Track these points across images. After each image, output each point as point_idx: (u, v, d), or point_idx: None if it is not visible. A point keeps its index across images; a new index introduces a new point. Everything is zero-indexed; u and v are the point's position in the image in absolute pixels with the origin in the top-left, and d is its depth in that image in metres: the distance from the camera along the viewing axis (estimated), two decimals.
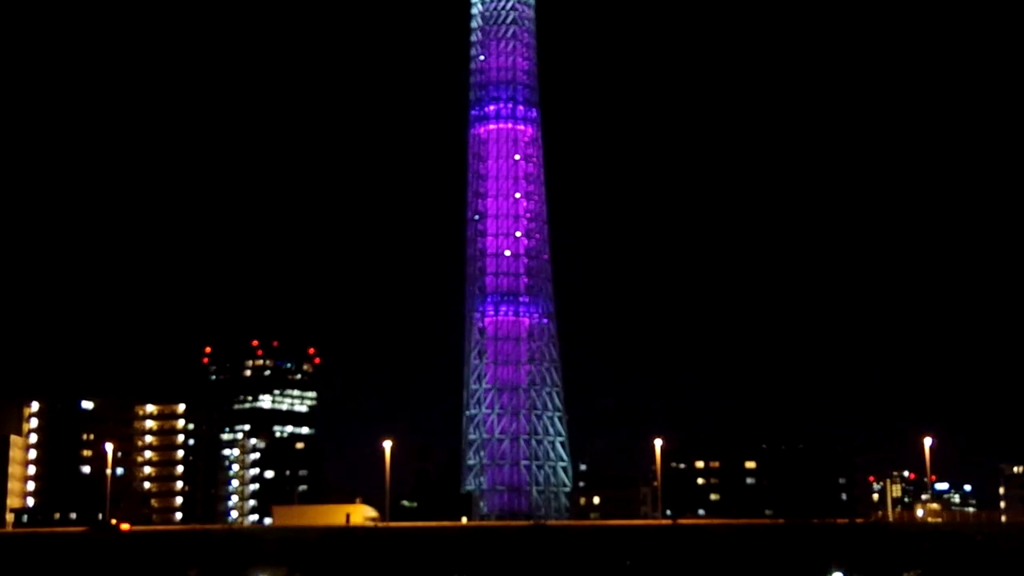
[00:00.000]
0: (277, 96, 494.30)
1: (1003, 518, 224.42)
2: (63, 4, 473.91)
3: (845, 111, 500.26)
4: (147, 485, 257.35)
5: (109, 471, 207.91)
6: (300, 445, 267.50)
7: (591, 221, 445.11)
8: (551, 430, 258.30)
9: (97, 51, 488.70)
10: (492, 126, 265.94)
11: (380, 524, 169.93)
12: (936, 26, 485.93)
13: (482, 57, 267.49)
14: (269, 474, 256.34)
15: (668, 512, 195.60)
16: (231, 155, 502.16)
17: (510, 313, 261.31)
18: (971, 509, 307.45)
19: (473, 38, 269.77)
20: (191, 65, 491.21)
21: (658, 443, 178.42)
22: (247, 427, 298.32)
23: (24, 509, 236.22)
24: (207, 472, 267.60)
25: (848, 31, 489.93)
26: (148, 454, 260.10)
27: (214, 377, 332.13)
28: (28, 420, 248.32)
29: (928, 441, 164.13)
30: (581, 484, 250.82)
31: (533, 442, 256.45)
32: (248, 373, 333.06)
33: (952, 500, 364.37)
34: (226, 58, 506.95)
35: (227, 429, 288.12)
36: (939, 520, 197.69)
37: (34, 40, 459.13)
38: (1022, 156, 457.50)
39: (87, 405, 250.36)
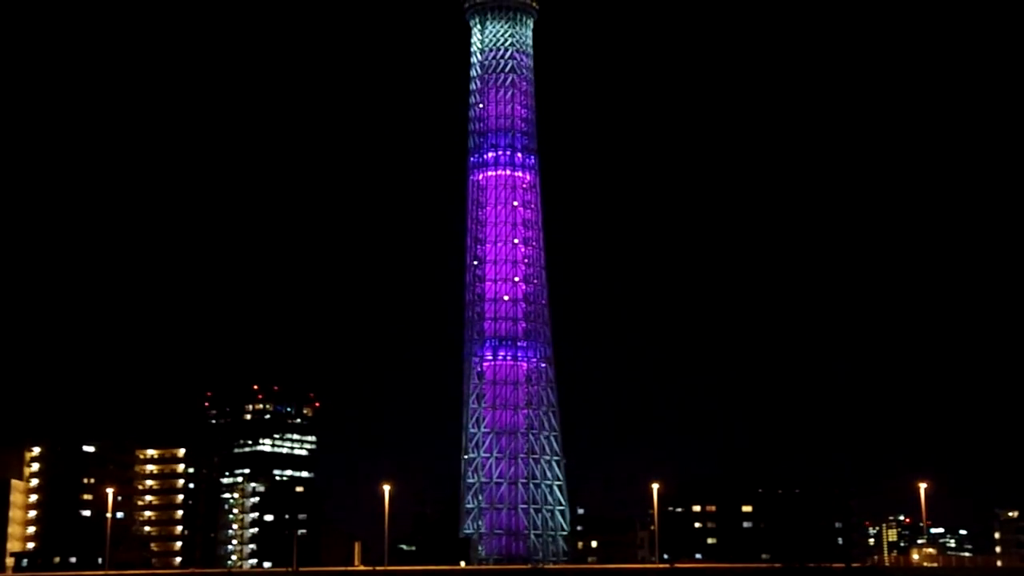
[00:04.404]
0: (281, 141, 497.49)
1: (998, 563, 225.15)
2: (63, 4, 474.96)
3: (839, 142, 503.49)
4: (147, 528, 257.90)
5: (109, 514, 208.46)
6: (300, 489, 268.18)
7: (589, 266, 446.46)
8: (549, 474, 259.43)
9: (97, 53, 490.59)
10: (491, 173, 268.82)
11: None
12: (936, 26, 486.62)
13: (481, 105, 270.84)
14: (269, 518, 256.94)
15: (665, 556, 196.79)
16: (231, 196, 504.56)
17: (508, 357, 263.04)
18: (967, 554, 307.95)
19: (472, 86, 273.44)
20: (191, 92, 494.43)
21: (655, 487, 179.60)
22: (247, 471, 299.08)
23: (24, 553, 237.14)
24: (207, 516, 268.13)
25: (847, 32, 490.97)
26: (148, 498, 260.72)
27: (214, 421, 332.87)
28: (29, 464, 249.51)
29: (923, 486, 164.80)
30: (579, 528, 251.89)
31: (531, 486, 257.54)
32: (248, 417, 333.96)
33: (948, 545, 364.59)
34: (225, 85, 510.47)
35: (227, 473, 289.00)
36: (935, 565, 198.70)
37: (34, 41, 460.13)
38: (1017, 170, 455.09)
39: (88, 449, 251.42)
